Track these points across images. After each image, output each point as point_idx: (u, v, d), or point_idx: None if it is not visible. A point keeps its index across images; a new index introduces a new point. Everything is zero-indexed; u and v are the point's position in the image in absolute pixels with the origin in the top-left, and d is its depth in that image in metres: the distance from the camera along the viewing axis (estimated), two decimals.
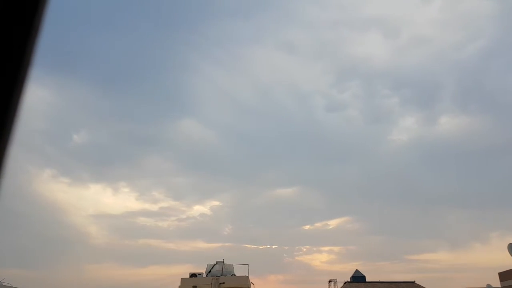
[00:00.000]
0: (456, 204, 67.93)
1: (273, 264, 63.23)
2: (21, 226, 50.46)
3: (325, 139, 74.56)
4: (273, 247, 66.10)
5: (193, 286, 22.75)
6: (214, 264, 24.54)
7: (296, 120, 75.42)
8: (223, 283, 22.73)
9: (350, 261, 65.46)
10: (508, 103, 66.46)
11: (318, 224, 67.54)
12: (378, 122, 72.86)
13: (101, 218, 64.66)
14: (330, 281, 41.33)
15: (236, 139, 75.77)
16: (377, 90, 71.09)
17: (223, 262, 24.65)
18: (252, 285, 24.35)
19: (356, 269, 42.60)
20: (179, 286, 23.33)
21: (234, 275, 24.31)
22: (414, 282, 40.68)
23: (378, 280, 41.38)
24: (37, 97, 53.21)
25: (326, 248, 67.77)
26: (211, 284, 22.58)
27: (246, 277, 23.57)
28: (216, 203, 70.18)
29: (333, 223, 68.67)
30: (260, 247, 64.59)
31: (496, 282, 36.02)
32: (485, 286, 37.65)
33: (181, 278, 23.73)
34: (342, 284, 41.51)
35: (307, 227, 68.39)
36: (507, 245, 31.74)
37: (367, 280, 41.32)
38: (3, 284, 23.34)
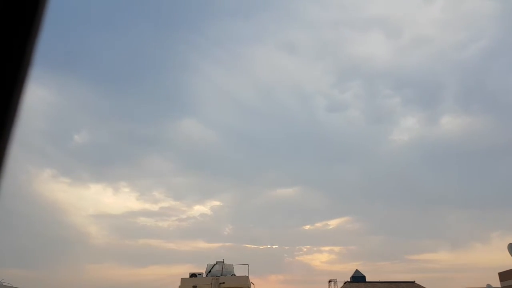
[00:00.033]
0: (457, 204, 68.04)
1: (274, 264, 63.30)
2: (21, 226, 50.49)
3: (326, 139, 74.68)
4: (274, 247, 66.17)
5: (193, 286, 22.75)
6: (214, 264, 24.55)
7: (297, 120, 75.52)
8: (223, 283, 22.73)
9: (350, 261, 65.54)
10: (510, 103, 66.68)
11: (318, 224, 67.61)
12: (380, 122, 72.92)
13: (101, 218, 64.74)
14: (330, 281, 41.35)
15: (237, 139, 75.87)
16: (379, 90, 71.15)
17: (223, 262, 24.66)
18: (252, 285, 24.36)
19: (356, 269, 42.62)
20: (179, 286, 23.33)
21: (234, 275, 24.31)
22: (414, 282, 40.68)
23: (378, 280, 41.40)
24: (38, 97, 53.28)
25: (326, 248, 67.85)
26: (211, 284, 22.58)
27: (246, 277, 23.57)
28: (216, 203, 70.26)
29: (333, 223, 68.74)
30: (261, 247, 64.64)
31: (497, 282, 36.04)
32: (485, 286, 37.68)
33: (181, 278, 23.74)
34: (342, 284, 41.53)
35: (307, 227, 68.46)
36: (507, 245, 31.77)
37: (367, 280, 41.34)
38: (3, 284, 23.35)
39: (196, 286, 22.69)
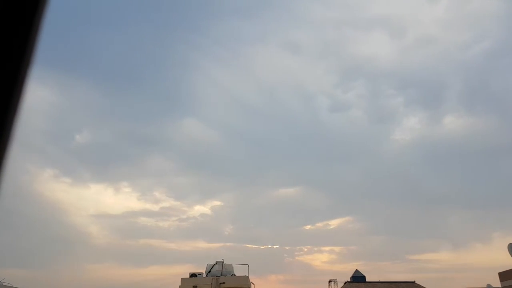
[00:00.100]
0: (459, 204, 67.97)
1: (274, 264, 63.30)
2: (22, 226, 50.54)
3: (328, 139, 74.58)
4: (274, 247, 66.17)
5: (193, 286, 22.75)
6: (214, 264, 24.55)
7: (299, 120, 75.40)
8: (223, 283, 22.73)
9: (351, 261, 65.55)
10: None
11: (319, 224, 67.60)
12: (382, 122, 72.81)
13: (102, 218, 64.72)
14: (330, 281, 41.36)
15: (238, 139, 75.84)
16: (382, 90, 71.08)
17: (223, 262, 24.66)
18: (252, 285, 24.37)
19: (356, 269, 42.63)
20: (179, 286, 23.33)
21: (234, 275, 24.32)
22: (414, 282, 40.67)
23: (378, 280, 41.41)
24: (39, 96, 53.31)
25: (327, 248, 67.82)
26: (211, 284, 22.58)
27: (246, 277, 23.58)
28: (217, 203, 70.25)
29: (334, 223, 68.73)
30: (261, 247, 64.65)
31: (498, 282, 36.03)
32: (485, 286, 37.68)
33: (181, 278, 23.74)
34: (342, 284, 41.54)
35: (308, 227, 68.45)
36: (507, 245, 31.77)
37: (367, 280, 41.34)
38: (3, 284, 23.35)
39: (196, 286, 22.69)
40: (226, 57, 72.71)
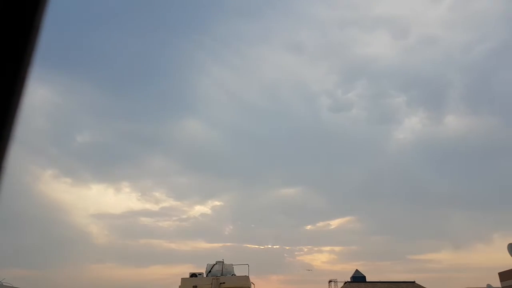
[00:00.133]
0: (459, 204, 67.97)
1: (275, 264, 63.34)
2: (22, 226, 50.48)
3: (330, 139, 74.59)
4: (275, 247, 66.16)
5: (193, 286, 22.74)
6: (214, 264, 24.53)
7: (302, 120, 75.34)
8: (224, 283, 22.72)
9: (351, 261, 65.59)
10: None
11: (320, 224, 67.61)
12: (384, 122, 72.85)
13: (102, 218, 64.79)
14: (330, 281, 41.36)
15: (240, 138, 75.88)
16: (384, 90, 71.09)
17: (223, 262, 24.65)
18: (252, 285, 24.35)
19: (356, 269, 42.62)
20: (179, 286, 23.32)
21: (234, 275, 24.30)
22: (414, 282, 40.65)
23: (378, 280, 41.38)
24: (41, 96, 53.38)
25: (327, 248, 67.87)
26: (211, 284, 22.57)
27: (246, 277, 23.56)
28: (217, 203, 70.31)
29: (335, 223, 68.77)
30: (262, 247, 64.64)
31: (498, 282, 36.01)
32: (485, 286, 37.66)
33: (181, 278, 23.72)
34: (342, 284, 41.53)
35: (308, 227, 68.44)
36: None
37: (367, 280, 41.32)
38: (3, 284, 23.34)
39: (196, 286, 22.68)
40: (229, 57, 72.83)
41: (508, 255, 31.44)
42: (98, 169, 68.36)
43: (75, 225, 59.62)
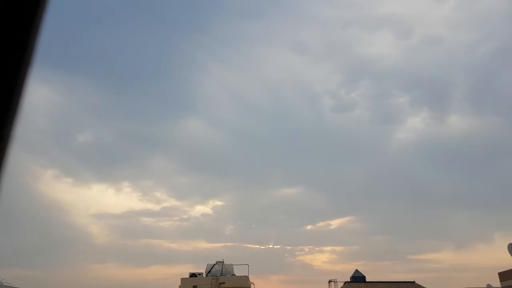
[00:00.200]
0: (460, 204, 67.99)
1: (275, 264, 63.35)
2: (22, 226, 50.47)
3: (332, 139, 74.56)
4: (276, 247, 66.18)
5: (193, 286, 22.73)
6: (214, 264, 24.54)
7: (304, 120, 75.16)
8: (223, 283, 22.72)
9: (351, 261, 65.59)
10: None
11: (320, 224, 67.62)
12: (387, 122, 72.71)
13: (103, 218, 64.76)
14: (330, 281, 41.36)
15: (241, 139, 75.84)
16: (387, 90, 70.96)
17: (223, 262, 24.65)
18: (252, 285, 24.36)
19: (356, 269, 42.63)
20: (179, 286, 23.32)
21: (234, 275, 24.31)
22: (414, 282, 40.66)
23: (378, 280, 41.40)
24: (41, 95, 53.35)
25: (328, 248, 67.88)
26: (211, 284, 22.57)
27: (246, 277, 23.57)
28: (218, 203, 70.30)
29: (335, 223, 68.77)
30: (262, 247, 64.66)
31: (498, 282, 36.02)
32: (485, 286, 37.67)
33: (181, 278, 23.72)
34: (342, 284, 41.54)
35: (309, 227, 68.45)
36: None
37: (367, 280, 41.33)
38: (3, 284, 23.34)
39: (196, 286, 22.68)
40: (231, 57, 72.77)
41: (509, 255, 31.46)
42: (98, 169, 68.39)
43: (75, 225, 59.68)
